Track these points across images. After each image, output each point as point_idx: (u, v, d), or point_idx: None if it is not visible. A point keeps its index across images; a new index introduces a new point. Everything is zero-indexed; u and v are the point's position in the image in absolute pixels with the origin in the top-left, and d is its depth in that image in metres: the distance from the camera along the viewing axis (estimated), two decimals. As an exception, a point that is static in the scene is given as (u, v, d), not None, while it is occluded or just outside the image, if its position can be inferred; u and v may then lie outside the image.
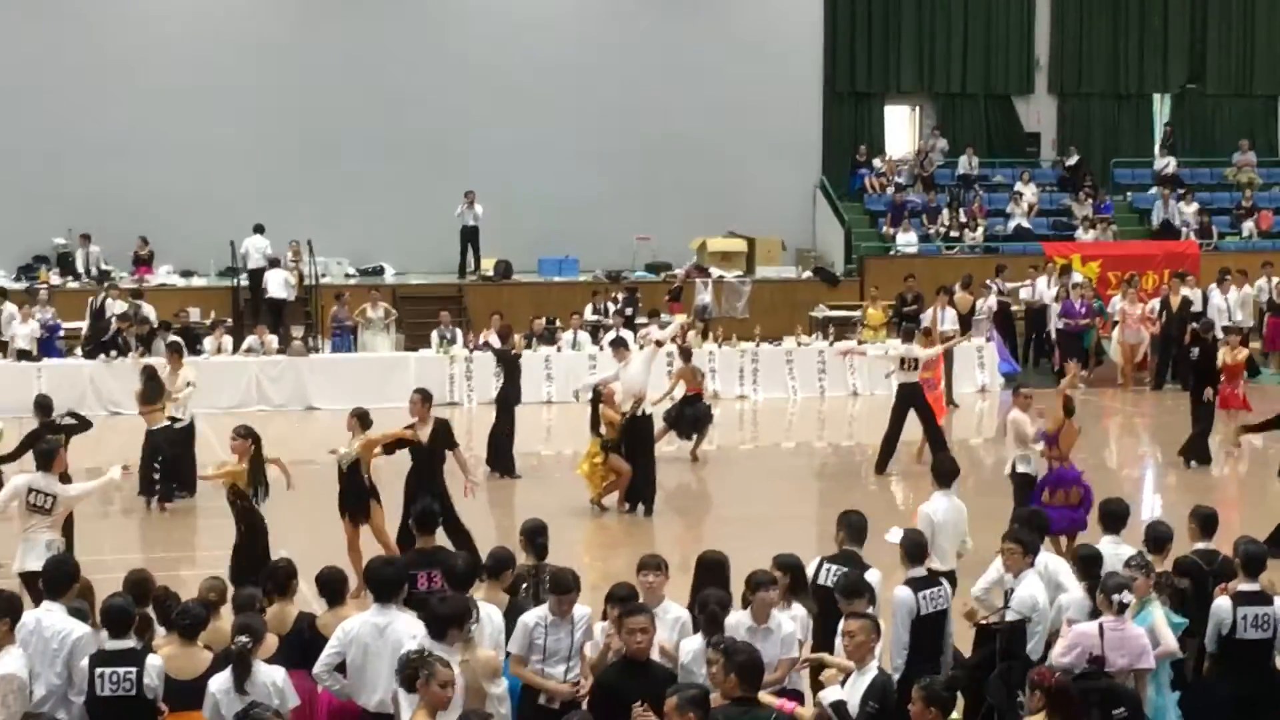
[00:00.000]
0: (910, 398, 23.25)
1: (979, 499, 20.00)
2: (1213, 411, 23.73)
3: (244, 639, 9.93)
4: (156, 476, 21.15)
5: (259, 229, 33.70)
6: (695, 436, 24.46)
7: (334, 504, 17.08)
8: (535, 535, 12.01)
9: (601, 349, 28.81)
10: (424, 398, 17.69)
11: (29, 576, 13.42)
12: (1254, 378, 26.67)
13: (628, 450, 20.79)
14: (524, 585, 11.63)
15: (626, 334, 28.14)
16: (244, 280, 33.69)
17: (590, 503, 20.89)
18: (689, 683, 9.46)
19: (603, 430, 20.82)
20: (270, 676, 9.95)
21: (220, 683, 9.89)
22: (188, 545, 19.94)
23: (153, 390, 21.44)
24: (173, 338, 26.25)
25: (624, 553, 19.31)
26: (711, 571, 11.44)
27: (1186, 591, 11.51)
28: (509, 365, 23.81)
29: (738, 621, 10.85)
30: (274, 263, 33.26)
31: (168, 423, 21.35)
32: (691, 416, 24.25)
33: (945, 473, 13.95)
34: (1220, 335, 25.49)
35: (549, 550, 12.02)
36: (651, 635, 10.02)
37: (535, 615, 10.72)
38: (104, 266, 34.94)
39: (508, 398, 23.53)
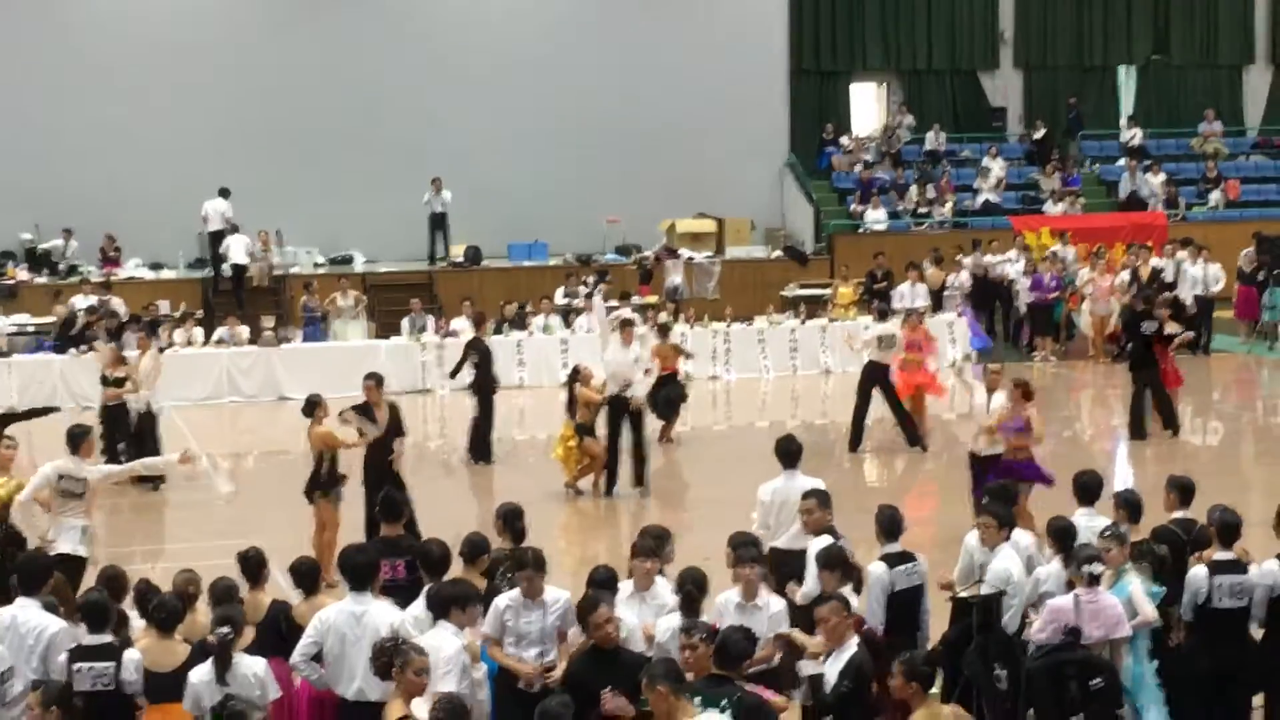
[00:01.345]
0: (874, 376, 23.26)
1: (951, 474, 20.09)
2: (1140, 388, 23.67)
3: (225, 630, 9.90)
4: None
5: (224, 193, 33.69)
6: (670, 417, 24.41)
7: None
8: (513, 519, 11.94)
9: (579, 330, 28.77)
10: (378, 382, 17.65)
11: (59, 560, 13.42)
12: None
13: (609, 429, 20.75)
14: (501, 570, 11.60)
15: (629, 313, 28.33)
16: (212, 265, 33.66)
17: (565, 486, 20.87)
18: (659, 659, 9.48)
19: (577, 414, 20.76)
20: (251, 667, 9.94)
21: (201, 674, 9.87)
22: (157, 538, 19.91)
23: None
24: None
25: (601, 536, 19.37)
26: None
27: (1165, 557, 11.52)
28: (482, 353, 23.68)
29: (726, 599, 10.88)
30: (234, 228, 33.20)
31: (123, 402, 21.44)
32: (666, 397, 24.20)
33: (785, 453, 13.82)
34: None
35: (527, 534, 12.00)
36: (616, 625, 9.99)
37: (506, 598, 10.69)
38: (72, 261, 34.83)
39: (484, 385, 23.43)
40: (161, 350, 22.27)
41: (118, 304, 30.23)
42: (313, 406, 16.87)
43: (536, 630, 10.57)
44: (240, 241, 33.01)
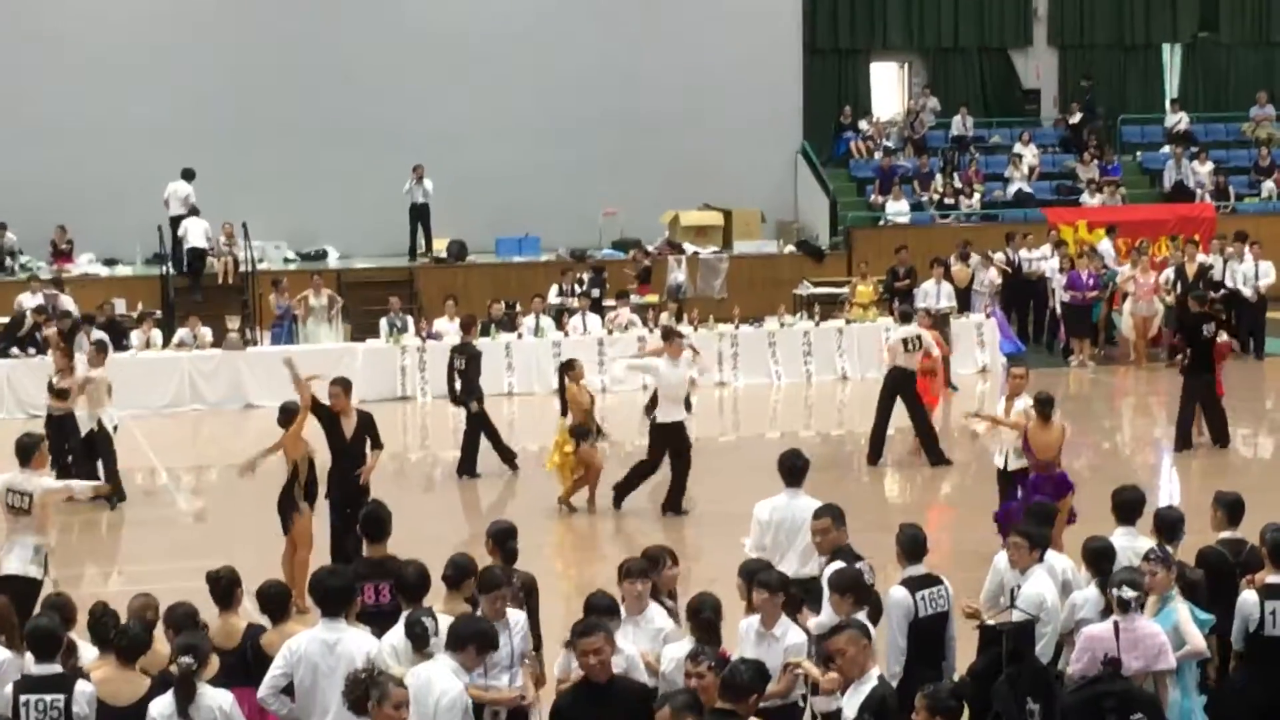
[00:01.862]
0: (899, 384, 23.22)
1: (978, 490, 20.11)
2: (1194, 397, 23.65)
3: (188, 659, 9.86)
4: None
5: (188, 174, 33.74)
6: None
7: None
8: (505, 538, 11.93)
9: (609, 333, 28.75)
10: (345, 388, 17.58)
11: (2, 581, 13.43)
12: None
13: (671, 455, 20.65)
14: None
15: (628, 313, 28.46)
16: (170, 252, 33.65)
17: (559, 502, 20.80)
18: (678, 689, 9.48)
19: (569, 418, 20.64)
20: (217, 701, 9.88)
21: (162, 707, 9.83)
22: (110, 559, 19.90)
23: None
24: (98, 334, 26.16)
25: (598, 557, 19.32)
26: None
27: (1199, 583, 11.50)
28: (470, 358, 23.52)
29: (748, 626, 10.97)
30: (194, 211, 33.32)
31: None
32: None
33: (789, 469, 13.78)
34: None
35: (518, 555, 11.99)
36: (607, 655, 9.95)
37: None
38: (14, 252, 34.79)
39: (472, 394, 23.29)
40: (125, 348, 22.15)
41: (68, 302, 30.17)
42: (289, 416, 16.88)
43: (506, 654, 10.65)
44: (199, 225, 32.96)
